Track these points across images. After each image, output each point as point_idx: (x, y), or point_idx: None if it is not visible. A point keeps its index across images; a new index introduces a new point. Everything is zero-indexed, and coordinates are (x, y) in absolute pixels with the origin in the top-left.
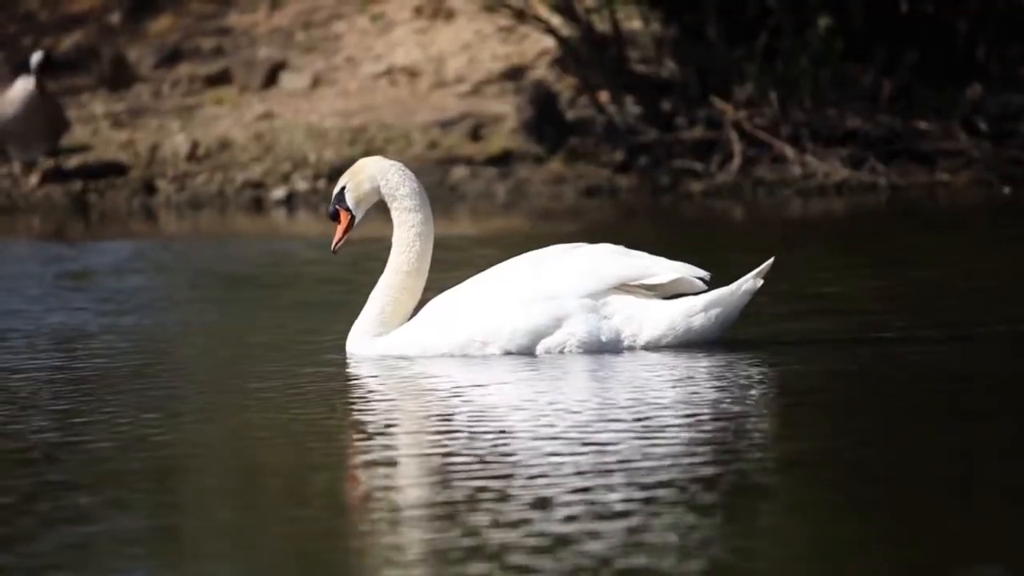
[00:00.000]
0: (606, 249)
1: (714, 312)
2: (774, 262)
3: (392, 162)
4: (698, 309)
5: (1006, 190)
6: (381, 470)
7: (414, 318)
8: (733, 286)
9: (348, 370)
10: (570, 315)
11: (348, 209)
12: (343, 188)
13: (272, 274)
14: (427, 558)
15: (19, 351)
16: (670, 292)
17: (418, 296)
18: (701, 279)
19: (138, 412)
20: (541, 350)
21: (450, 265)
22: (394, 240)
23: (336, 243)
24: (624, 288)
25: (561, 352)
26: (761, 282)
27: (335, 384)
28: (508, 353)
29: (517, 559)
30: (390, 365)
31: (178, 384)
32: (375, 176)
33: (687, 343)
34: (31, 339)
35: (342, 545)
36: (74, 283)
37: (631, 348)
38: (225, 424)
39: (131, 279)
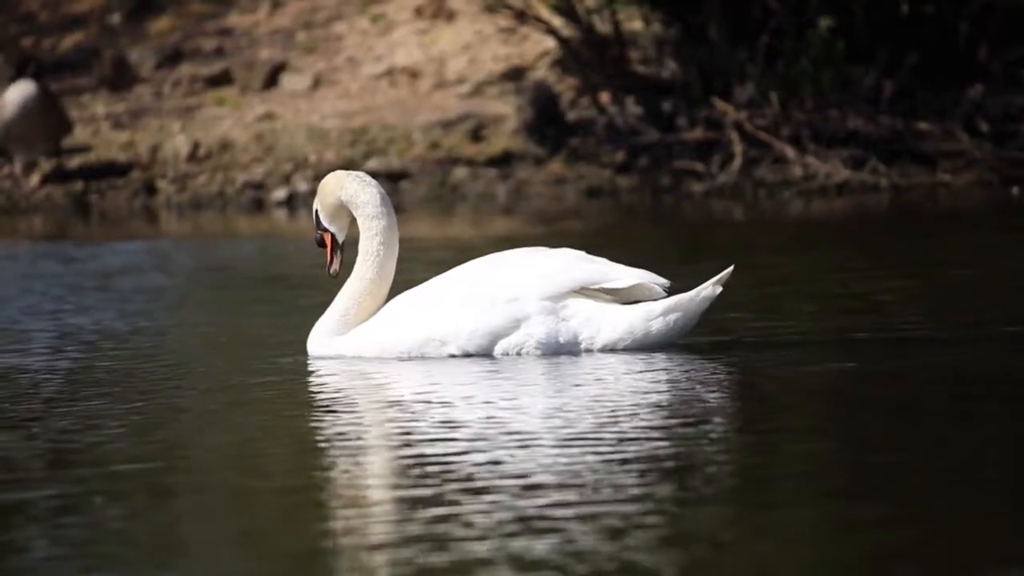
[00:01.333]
0: (566, 253)
1: (672, 317)
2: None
3: (351, 172)
4: (656, 314)
5: (1015, 190)
6: (366, 478)
7: (373, 318)
8: (692, 292)
9: (310, 370)
10: (529, 317)
11: (327, 229)
12: (316, 211)
13: (288, 275)
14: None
15: (38, 351)
16: (630, 298)
17: (381, 300)
18: (661, 286)
19: (144, 412)
20: (499, 351)
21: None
22: (360, 247)
23: (329, 266)
24: (584, 292)
25: (519, 353)
26: (720, 289)
27: (303, 386)
28: (467, 354)
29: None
30: (350, 365)
31: (184, 385)
32: (335, 189)
33: (645, 347)
34: (49, 339)
35: (344, 550)
36: (92, 283)
37: (589, 350)
38: (220, 424)
39: (146, 280)
